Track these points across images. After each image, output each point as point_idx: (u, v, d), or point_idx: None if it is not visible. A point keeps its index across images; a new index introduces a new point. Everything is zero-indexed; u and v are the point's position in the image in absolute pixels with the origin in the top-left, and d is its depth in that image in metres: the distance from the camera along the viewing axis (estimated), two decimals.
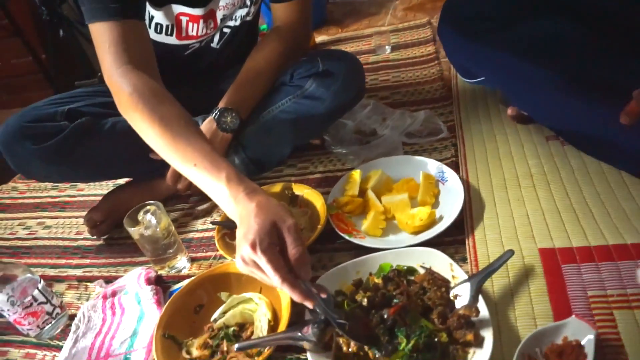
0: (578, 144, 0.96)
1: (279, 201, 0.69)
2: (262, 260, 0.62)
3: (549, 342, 0.63)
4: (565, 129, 0.96)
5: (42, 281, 0.89)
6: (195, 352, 0.76)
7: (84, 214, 1.14)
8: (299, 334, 0.67)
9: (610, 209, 0.82)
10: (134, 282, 0.93)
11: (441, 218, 0.87)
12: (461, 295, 0.70)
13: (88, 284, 1.02)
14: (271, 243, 0.63)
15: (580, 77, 0.89)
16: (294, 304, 0.70)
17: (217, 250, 0.94)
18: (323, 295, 0.65)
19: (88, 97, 1.10)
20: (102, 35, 0.84)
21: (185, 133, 0.77)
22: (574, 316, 0.65)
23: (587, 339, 0.62)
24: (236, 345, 0.68)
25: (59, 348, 0.88)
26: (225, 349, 0.75)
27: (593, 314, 0.67)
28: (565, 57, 0.91)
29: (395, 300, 0.66)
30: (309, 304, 0.65)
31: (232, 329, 0.77)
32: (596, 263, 0.73)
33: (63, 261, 1.11)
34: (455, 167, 0.99)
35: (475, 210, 0.89)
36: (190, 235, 1.07)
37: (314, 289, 0.65)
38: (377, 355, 0.64)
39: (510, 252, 0.71)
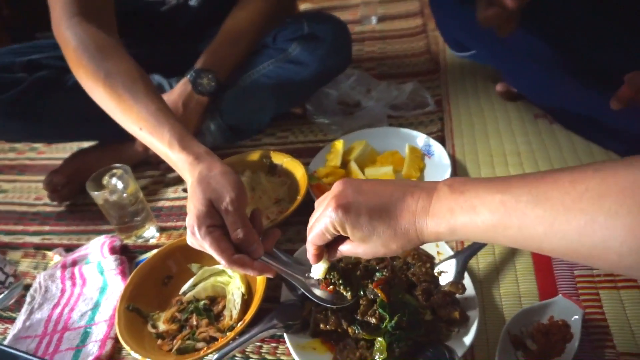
0: (567, 123, 0.94)
1: (225, 168, 0.63)
2: (204, 245, 0.59)
3: (534, 321, 0.62)
4: (556, 107, 0.94)
5: None
6: (162, 326, 0.71)
7: (44, 178, 1.06)
8: (275, 321, 0.64)
9: None
10: (97, 250, 0.86)
11: None
12: (446, 272, 0.67)
13: (46, 252, 0.95)
14: (210, 226, 0.59)
15: (576, 56, 0.87)
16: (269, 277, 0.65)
17: None
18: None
19: (50, 49, 1.00)
20: None
21: (132, 91, 0.70)
22: (560, 295, 0.63)
23: (574, 319, 0.60)
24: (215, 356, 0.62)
25: (12, 320, 0.81)
26: (194, 323, 0.70)
27: (579, 294, 0.65)
28: (562, 34, 0.88)
29: (377, 274, 0.63)
30: (269, 275, 0.62)
31: (202, 302, 0.73)
32: None
33: (19, 227, 1.03)
34: (441, 141, 0.95)
35: None
36: (160, 203, 1.00)
37: (279, 259, 0.62)
38: (357, 332, 0.61)
39: None
